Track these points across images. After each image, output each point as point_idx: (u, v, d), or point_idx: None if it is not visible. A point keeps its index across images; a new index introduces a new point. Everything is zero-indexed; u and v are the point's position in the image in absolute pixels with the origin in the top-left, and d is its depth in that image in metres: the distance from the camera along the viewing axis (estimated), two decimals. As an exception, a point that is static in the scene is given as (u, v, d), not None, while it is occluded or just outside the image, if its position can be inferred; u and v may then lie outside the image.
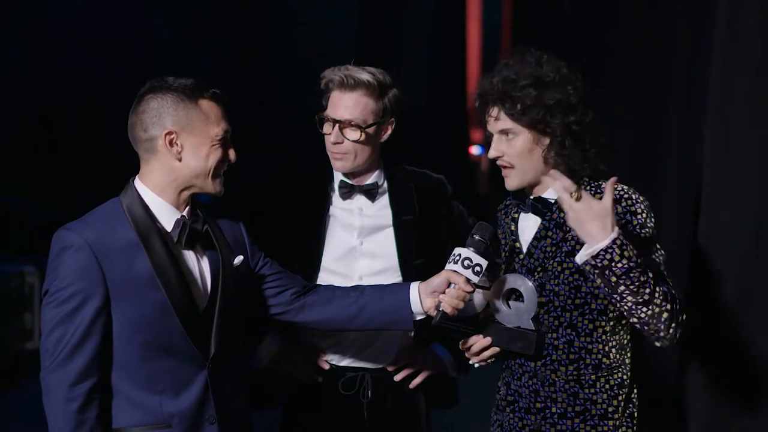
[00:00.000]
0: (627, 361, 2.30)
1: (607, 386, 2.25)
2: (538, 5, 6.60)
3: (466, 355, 2.39)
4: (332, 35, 12.19)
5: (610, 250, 2.05)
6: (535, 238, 2.30)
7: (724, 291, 2.63)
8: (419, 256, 2.61)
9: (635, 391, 2.32)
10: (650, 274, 2.09)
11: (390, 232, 2.63)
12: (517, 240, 2.37)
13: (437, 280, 2.27)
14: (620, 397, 2.26)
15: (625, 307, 2.12)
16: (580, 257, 2.10)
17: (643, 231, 2.19)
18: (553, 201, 2.30)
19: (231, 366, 2.23)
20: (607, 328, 2.25)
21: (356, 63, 2.57)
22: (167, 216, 2.17)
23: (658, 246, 2.20)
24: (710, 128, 2.70)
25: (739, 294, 2.61)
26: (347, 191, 2.62)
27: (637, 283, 2.07)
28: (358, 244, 2.61)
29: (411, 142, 3.63)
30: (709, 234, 2.69)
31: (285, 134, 10.07)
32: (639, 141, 3.55)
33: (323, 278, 2.58)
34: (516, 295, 2.29)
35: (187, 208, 2.20)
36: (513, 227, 2.39)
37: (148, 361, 2.11)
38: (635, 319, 2.13)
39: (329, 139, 2.56)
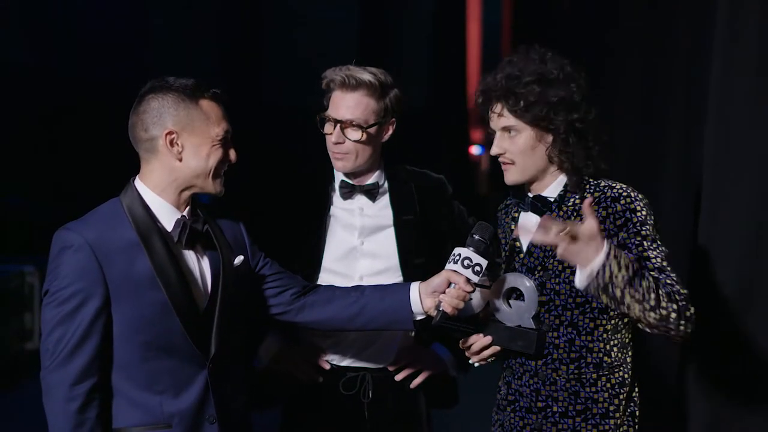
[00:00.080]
0: (628, 359, 2.30)
1: (609, 385, 2.25)
2: (538, 5, 6.61)
3: (467, 354, 2.39)
4: (332, 35, 12.19)
5: (607, 265, 2.05)
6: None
7: (724, 291, 2.63)
8: (420, 256, 2.61)
9: (636, 389, 2.32)
10: (650, 278, 2.10)
11: (391, 232, 2.63)
12: (517, 239, 2.37)
13: (437, 280, 2.27)
14: (621, 396, 2.26)
15: (634, 316, 2.12)
16: (581, 281, 2.09)
17: (644, 228, 2.19)
18: (552, 200, 2.30)
19: (231, 366, 2.23)
20: (609, 327, 2.25)
21: (357, 63, 2.57)
22: (168, 216, 2.17)
23: (659, 242, 2.20)
24: (710, 128, 2.70)
25: (739, 294, 2.61)
26: (348, 191, 2.62)
27: (641, 290, 2.07)
28: (359, 244, 2.61)
29: (411, 142, 3.63)
30: (709, 234, 2.70)
31: (285, 134, 10.08)
32: (639, 141, 3.55)
33: (324, 278, 2.58)
34: (516, 294, 2.29)
35: (188, 208, 2.20)
36: (513, 227, 2.39)
37: (148, 361, 2.11)
38: (644, 325, 2.13)
39: (330, 139, 2.56)
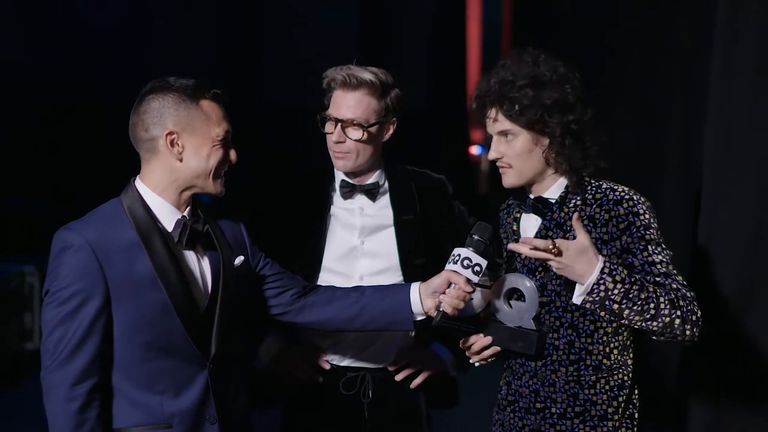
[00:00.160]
0: (629, 362, 2.30)
1: (607, 387, 2.25)
2: (538, 5, 6.61)
3: (467, 354, 2.39)
4: (332, 35, 12.20)
5: (601, 282, 2.06)
6: (536, 237, 2.30)
7: (724, 291, 2.63)
8: (420, 256, 2.61)
9: (636, 392, 2.32)
10: (650, 289, 2.10)
11: (391, 232, 2.63)
12: (518, 239, 2.37)
13: (437, 281, 2.27)
14: (620, 398, 2.26)
15: (636, 326, 2.13)
16: (577, 298, 2.11)
17: (647, 232, 2.18)
18: (553, 201, 2.30)
19: (232, 366, 2.23)
20: (609, 330, 2.25)
21: (358, 63, 2.57)
22: (168, 216, 2.17)
23: (663, 246, 2.20)
24: (710, 128, 2.70)
25: (739, 294, 2.62)
26: (348, 191, 2.62)
27: (639, 302, 2.07)
28: (359, 244, 2.61)
29: (411, 142, 3.63)
30: (709, 234, 2.70)
31: (285, 134, 10.08)
32: (639, 141, 3.56)
33: (324, 278, 2.58)
34: (517, 294, 2.29)
35: (188, 209, 2.20)
36: (515, 227, 2.39)
37: (148, 361, 2.11)
38: (650, 333, 2.14)
39: (331, 138, 2.56)
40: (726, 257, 2.64)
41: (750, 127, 2.59)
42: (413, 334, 2.62)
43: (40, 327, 2.14)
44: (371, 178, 2.64)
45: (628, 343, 2.30)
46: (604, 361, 2.25)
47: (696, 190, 2.85)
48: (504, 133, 2.27)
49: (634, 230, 2.18)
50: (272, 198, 2.74)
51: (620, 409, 2.26)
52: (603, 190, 2.24)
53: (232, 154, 2.20)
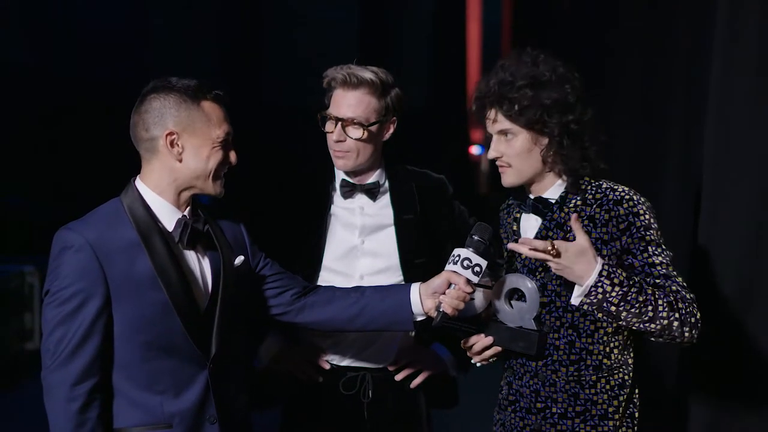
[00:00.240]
0: (629, 361, 2.30)
1: (608, 387, 2.25)
2: (538, 5, 6.61)
3: (468, 354, 2.39)
4: (332, 35, 12.19)
5: (599, 284, 2.06)
6: (536, 238, 2.30)
7: (724, 291, 2.63)
8: (420, 256, 2.61)
9: (637, 391, 2.32)
10: (648, 291, 2.10)
11: (391, 231, 2.63)
12: (518, 240, 2.37)
13: (437, 281, 2.27)
14: (621, 398, 2.26)
15: (635, 328, 2.13)
16: (575, 300, 2.11)
17: (648, 233, 2.18)
18: (553, 201, 2.30)
19: (232, 366, 2.23)
20: (609, 329, 2.25)
21: (358, 62, 2.57)
22: (168, 216, 2.17)
23: (663, 247, 2.20)
24: (710, 128, 2.70)
25: (739, 294, 2.62)
26: (348, 190, 2.62)
27: (637, 305, 2.08)
28: (360, 243, 2.61)
29: (411, 142, 3.63)
30: (709, 234, 2.70)
31: (285, 134, 10.08)
32: (639, 141, 3.56)
33: (324, 277, 2.58)
34: (518, 294, 2.29)
35: (188, 208, 2.20)
36: (515, 227, 2.39)
37: (149, 361, 2.11)
38: (648, 335, 2.14)
39: (331, 138, 2.56)
40: (726, 257, 2.64)
41: (750, 127, 2.59)
42: (413, 334, 2.62)
43: (41, 327, 2.14)
44: (371, 178, 2.64)
45: (629, 342, 2.30)
46: (605, 360, 2.25)
47: (696, 190, 2.85)
48: (504, 133, 2.27)
49: (634, 231, 2.18)
50: (272, 198, 2.74)
51: (621, 409, 2.26)
52: (603, 190, 2.24)
53: (232, 156, 2.20)
